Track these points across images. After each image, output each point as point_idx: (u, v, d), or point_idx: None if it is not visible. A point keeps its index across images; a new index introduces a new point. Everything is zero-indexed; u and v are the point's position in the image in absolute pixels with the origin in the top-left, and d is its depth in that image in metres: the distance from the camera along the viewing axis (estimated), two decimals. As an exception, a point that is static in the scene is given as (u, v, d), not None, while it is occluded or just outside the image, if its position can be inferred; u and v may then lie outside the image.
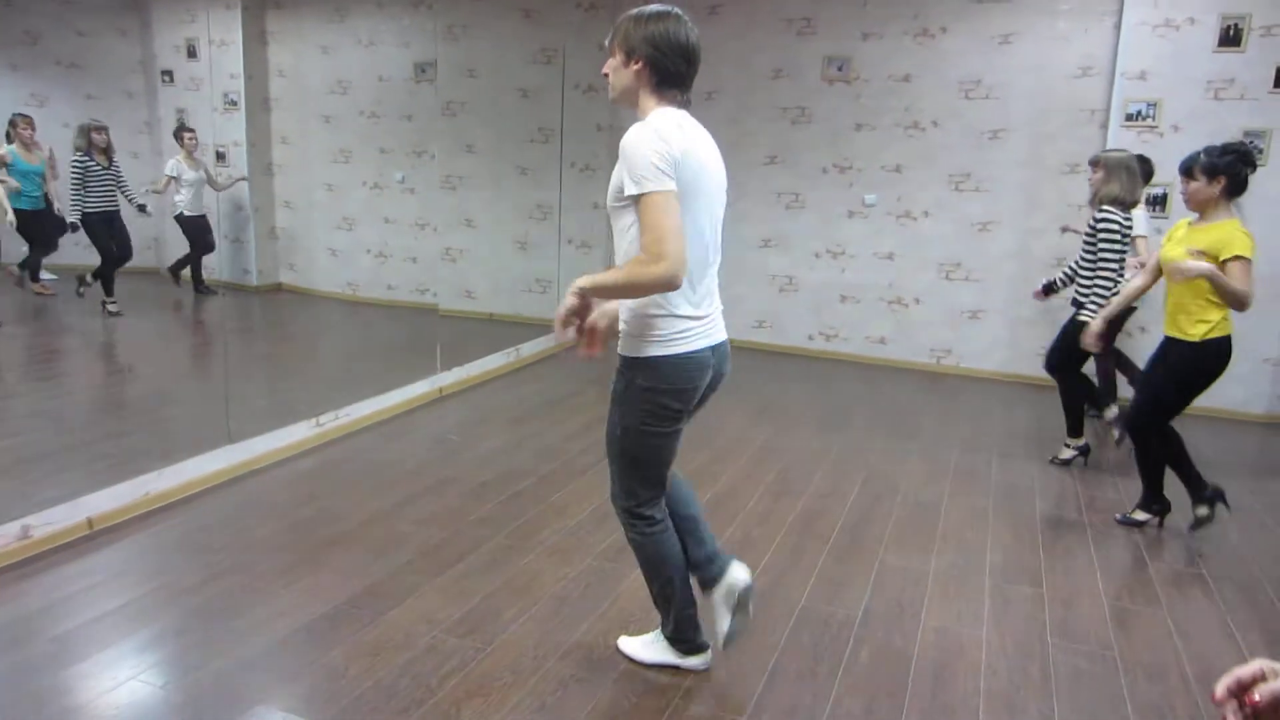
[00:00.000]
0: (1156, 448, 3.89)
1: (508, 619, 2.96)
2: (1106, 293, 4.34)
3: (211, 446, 4.05)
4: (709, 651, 2.70)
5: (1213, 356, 3.68)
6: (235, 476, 4.10)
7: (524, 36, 7.84)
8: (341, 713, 2.42)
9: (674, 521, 2.64)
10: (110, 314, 7.05)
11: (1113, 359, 5.50)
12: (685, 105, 2.42)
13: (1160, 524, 4.00)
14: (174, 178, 7.69)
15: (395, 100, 8.44)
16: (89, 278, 7.05)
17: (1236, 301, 3.47)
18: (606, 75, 2.40)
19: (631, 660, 2.74)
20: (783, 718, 2.50)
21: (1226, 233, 3.52)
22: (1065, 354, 4.59)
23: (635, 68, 2.31)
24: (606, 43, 2.37)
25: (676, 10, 2.33)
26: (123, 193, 7.25)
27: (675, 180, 2.17)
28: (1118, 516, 4.05)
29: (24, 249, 6.52)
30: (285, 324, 8.12)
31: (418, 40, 8.24)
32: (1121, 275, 4.38)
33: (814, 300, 7.23)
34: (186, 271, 7.76)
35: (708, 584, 2.63)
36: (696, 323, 2.37)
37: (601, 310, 2.46)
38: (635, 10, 2.32)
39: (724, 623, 2.60)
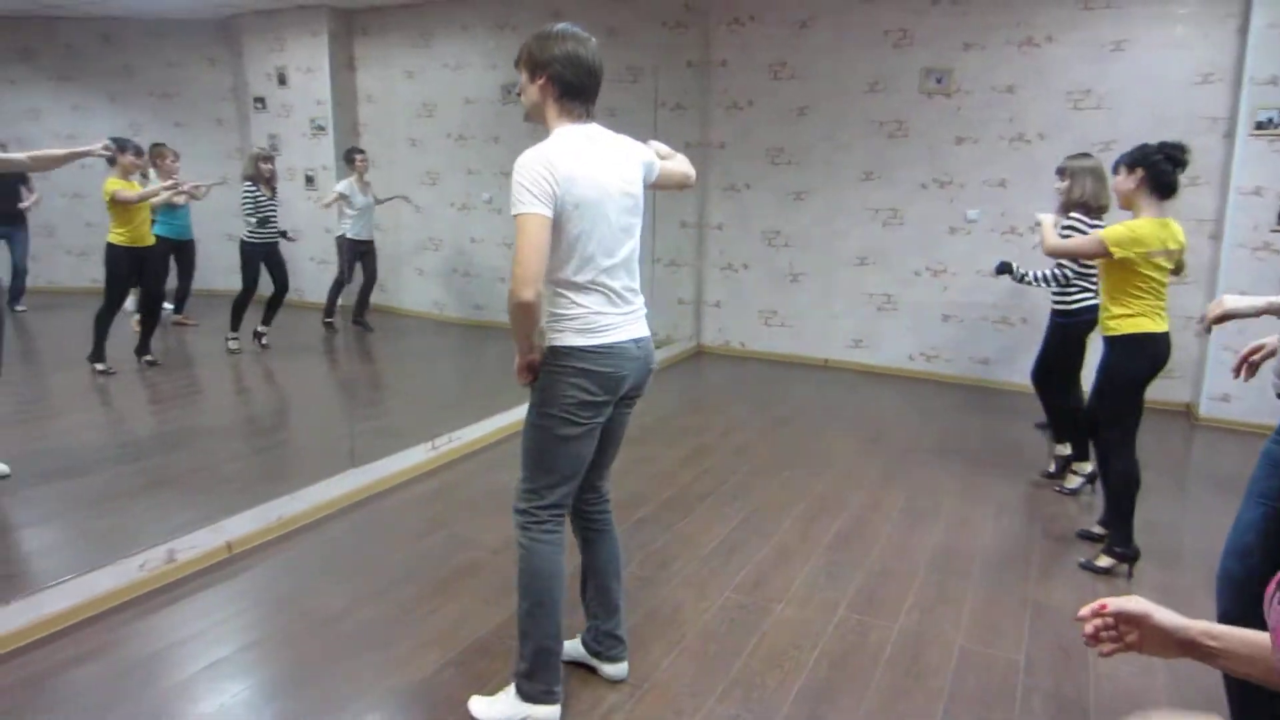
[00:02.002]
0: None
1: (657, 655, 2.85)
2: (1065, 298, 4.44)
3: (337, 470, 4.03)
4: (559, 706, 2.43)
5: (1121, 352, 3.52)
6: (359, 500, 4.07)
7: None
8: (509, 752, 2.34)
9: (598, 590, 2.65)
10: (262, 346, 7.17)
11: None
12: (589, 119, 2.42)
13: (1129, 573, 3.60)
14: (345, 195, 7.72)
15: (482, 122, 8.49)
16: (259, 327, 7.19)
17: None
18: (519, 94, 2.44)
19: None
20: (973, 765, 2.35)
21: (1129, 224, 3.44)
22: (1048, 366, 4.57)
23: (539, 84, 2.35)
24: (514, 63, 2.43)
25: (576, 29, 2.41)
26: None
27: (551, 203, 2.22)
28: (1080, 561, 3.69)
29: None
30: (382, 345, 8.16)
31: (504, 62, 8.27)
32: (1090, 285, 4.33)
33: (914, 319, 7.05)
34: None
35: (605, 659, 2.69)
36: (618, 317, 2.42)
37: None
38: (539, 30, 2.40)
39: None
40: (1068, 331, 4.46)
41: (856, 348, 7.28)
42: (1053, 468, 4.74)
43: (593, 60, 2.38)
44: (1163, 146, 3.45)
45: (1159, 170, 3.42)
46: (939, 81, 6.75)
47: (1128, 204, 3.57)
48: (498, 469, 4.62)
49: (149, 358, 6.34)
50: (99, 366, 6.06)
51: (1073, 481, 4.51)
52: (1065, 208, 4.35)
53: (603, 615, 2.66)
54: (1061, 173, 4.46)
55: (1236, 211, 5.73)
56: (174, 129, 8.61)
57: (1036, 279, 4.53)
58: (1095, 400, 3.68)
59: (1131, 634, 1.21)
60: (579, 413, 2.37)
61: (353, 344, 7.98)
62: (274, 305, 7.22)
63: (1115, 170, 3.60)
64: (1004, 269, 4.65)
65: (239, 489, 3.95)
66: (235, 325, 7.03)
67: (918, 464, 4.88)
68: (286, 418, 5.97)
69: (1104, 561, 3.60)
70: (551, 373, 2.37)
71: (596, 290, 2.37)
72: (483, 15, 8.29)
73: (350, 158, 7.79)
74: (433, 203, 8.90)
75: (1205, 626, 1.19)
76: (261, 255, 7.11)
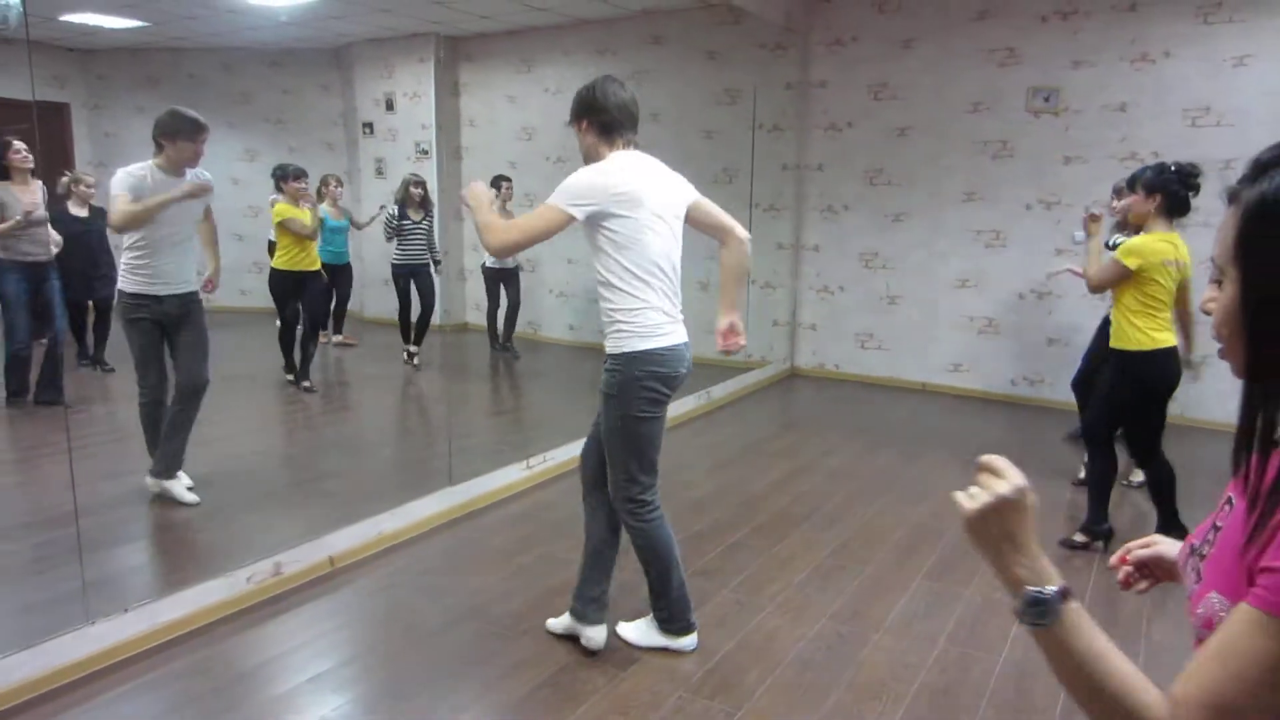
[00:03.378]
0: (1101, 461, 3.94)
1: (752, 682, 2.82)
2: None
3: (435, 488, 4.12)
4: (695, 634, 2.98)
5: (1162, 365, 3.71)
6: (455, 518, 4.15)
7: (708, 78, 7.85)
8: (601, 776, 2.34)
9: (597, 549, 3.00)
10: (414, 367, 7.44)
11: None
12: (634, 146, 2.83)
13: (1105, 547, 3.90)
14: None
15: (579, 145, 8.59)
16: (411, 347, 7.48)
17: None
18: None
19: (629, 645, 2.97)
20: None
21: (1139, 238, 3.64)
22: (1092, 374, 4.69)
23: (583, 127, 2.80)
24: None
25: (609, 76, 2.84)
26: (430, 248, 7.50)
27: (595, 209, 2.65)
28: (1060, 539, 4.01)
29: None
30: (475, 365, 8.32)
31: (603, 86, 8.37)
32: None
33: (1017, 343, 6.84)
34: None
35: (579, 616, 2.97)
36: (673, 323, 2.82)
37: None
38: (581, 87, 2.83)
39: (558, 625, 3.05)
40: None
41: (956, 371, 7.10)
42: (1081, 475, 4.73)
43: (624, 96, 2.78)
44: (1179, 170, 3.55)
45: (1176, 196, 3.57)
46: (1046, 100, 6.56)
47: (1139, 221, 3.71)
48: (591, 489, 4.65)
49: (306, 384, 6.51)
50: (289, 379, 6.47)
51: (1138, 475, 4.66)
52: (1121, 226, 4.41)
53: (606, 583, 2.99)
54: (1120, 191, 4.42)
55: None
56: (287, 154, 8.97)
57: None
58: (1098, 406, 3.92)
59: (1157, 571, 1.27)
60: (651, 409, 2.74)
61: (447, 362, 8.17)
62: (421, 325, 7.47)
63: (1131, 188, 3.76)
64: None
65: (342, 504, 4.07)
66: (404, 339, 7.45)
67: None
68: (390, 435, 6.13)
69: (1079, 537, 3.96)
70: (624, 376, 2.71)
71: (655, 294, 2.74)
72: (584, 40, 8.42)
73: (497, 184, 7.90)
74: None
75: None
76: (407, 276, 7.34)
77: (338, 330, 8.03)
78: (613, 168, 2.69)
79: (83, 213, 5.96)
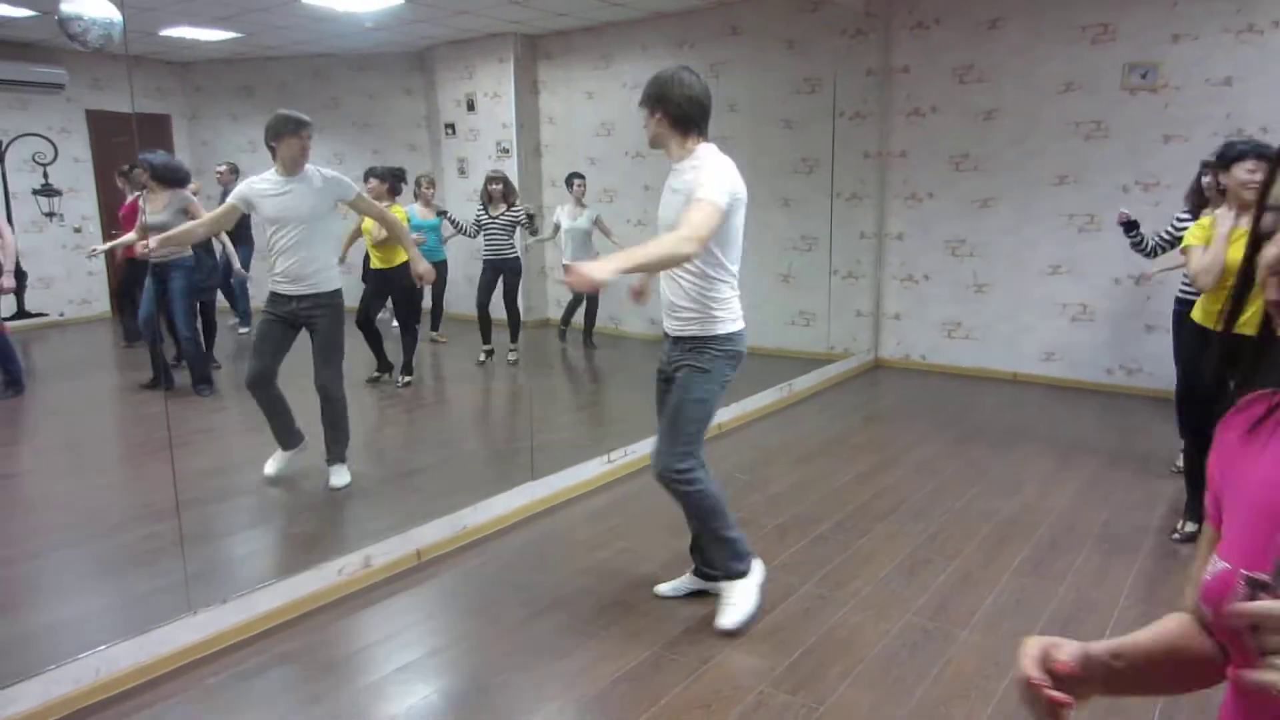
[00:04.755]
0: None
1: (834, 677, 2.78)
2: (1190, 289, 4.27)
3: (517, 483, 4.18)
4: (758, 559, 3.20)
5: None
6: (537, 512, 4.20)
7: (787, 68, 7.75)
8: (682, 769, 2.34)
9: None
10: (510, 363, 7.61)
11: None
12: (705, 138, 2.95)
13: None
14: (557, 225, 8.05)
15: (647, 130, 8.58)
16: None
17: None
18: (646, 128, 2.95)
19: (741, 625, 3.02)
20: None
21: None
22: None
23: (657, 118, 2.90)
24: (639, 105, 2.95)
25: (685, 67, 2.94)
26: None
27: (731, 202, 2.82)
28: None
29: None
30: (559, 360, 8.40)
31: (681, 79, 8.35)
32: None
33: (1113, 331, 6.59)
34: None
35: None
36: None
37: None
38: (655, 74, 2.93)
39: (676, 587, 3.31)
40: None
41: (1048, 361, 6.87)
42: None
43: (700, 91, 2.89)
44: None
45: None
46: (1144, 77, 6.29)
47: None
48: (672, 483, 4.65)
49: (407, 379, 6.76)
50: (378, 375, 6.74)
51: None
52: (1199, 206, 4.31)
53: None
54: (1210, 167, 4.21)
55: None
56: (371, 156, 9.21)
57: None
58: None
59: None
60: (725, 387, 3.04)
61: (532, 358, 8.26)
62: (513, 324, 7.59)
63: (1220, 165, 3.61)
64: (1130, 227, 4.81)
65: (428, 498, 4.15)
66: (485, 340, 7.54)
67: (1118, 485, 4.55)
68: (474, 430, 6.24)
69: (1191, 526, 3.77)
70: (716, 355, 2.95)
71: (735, 280, 2.99)
72: (662, 34, 8.41)
73: (570, 182, 7.99)
74: (610, 219, 9.07)
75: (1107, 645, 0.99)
76: (493, 273, 7.46)
77: (434, 327, 8.19)
78: (731, 164, 2.88)
79: None
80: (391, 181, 6.63)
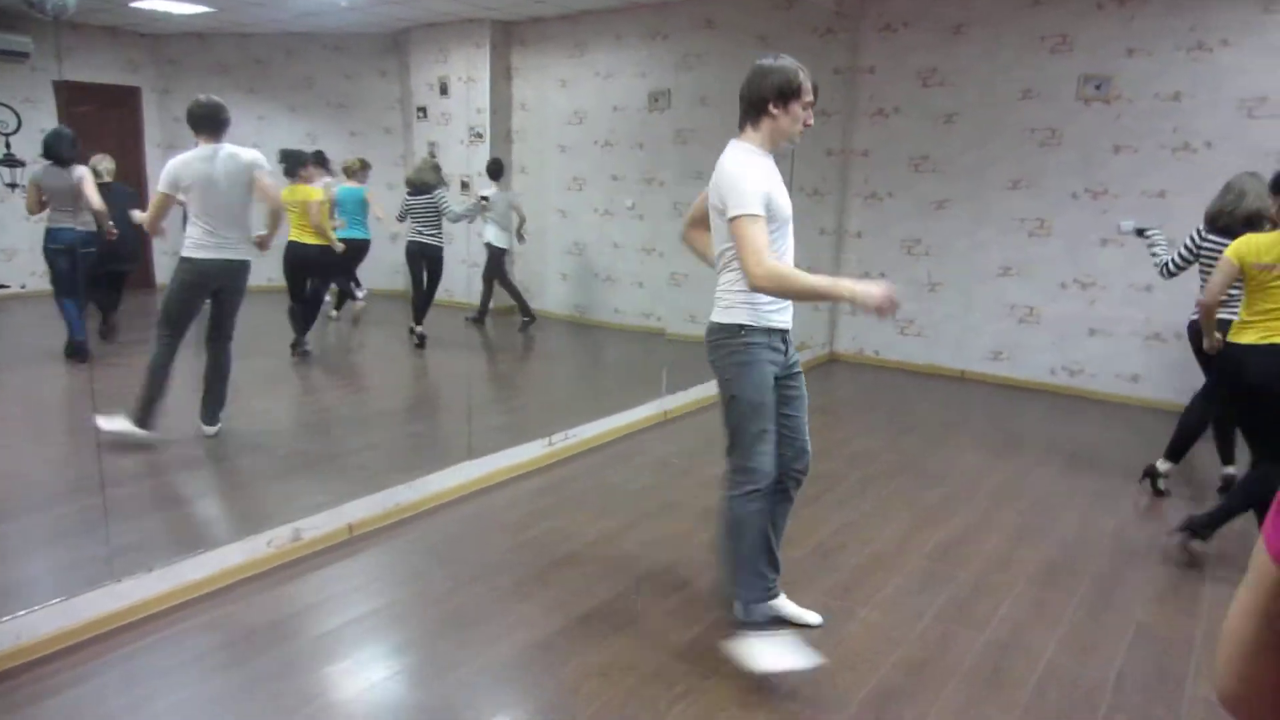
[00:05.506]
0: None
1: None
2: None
3: (453, 462, 4.28)
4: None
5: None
6: (473, 491, 4.30)
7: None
8: (574, 731, 2.46)
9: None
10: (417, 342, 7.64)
11: None
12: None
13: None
14: (485, 203, 8.13)
15: (628, 129, 8.70)
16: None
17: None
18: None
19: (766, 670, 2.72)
20: (1036, 790, 2.30)
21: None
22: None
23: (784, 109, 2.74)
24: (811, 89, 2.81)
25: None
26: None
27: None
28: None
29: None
30: (517, 345, 8.50)
31: (653, 71, 8.45)
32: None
33: (1057, 333, 6.75)
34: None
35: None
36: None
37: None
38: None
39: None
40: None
41: (995, 360, 7.03)
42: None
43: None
44: None
45: None
46: (1098, 88, 6.44)
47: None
48: (609, 467, 4.77)
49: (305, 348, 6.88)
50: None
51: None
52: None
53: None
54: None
55: None
56: (349, 138, 9.26)
57: (1160, 257, 4.52)
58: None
59: None
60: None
61: (494, 344, 8.35)
62: (425, 300, 7.67)
63: (1276, 192, 3.56)
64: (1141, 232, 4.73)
65: (368, 476, 4.24)
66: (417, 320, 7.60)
67: (1042, 479, 4.70)
68: (420, 410, 6.33)
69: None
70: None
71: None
72: (637, 25, 8.49)
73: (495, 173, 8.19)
74: (577, 208, 9.18)
75: None
76: (419, 257, 7.55)
77: (337, 305, 8.22)
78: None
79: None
80: (288, 164, 6.73)
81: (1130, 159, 6.34)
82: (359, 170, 7.63)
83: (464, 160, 9.29)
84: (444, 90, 9.48)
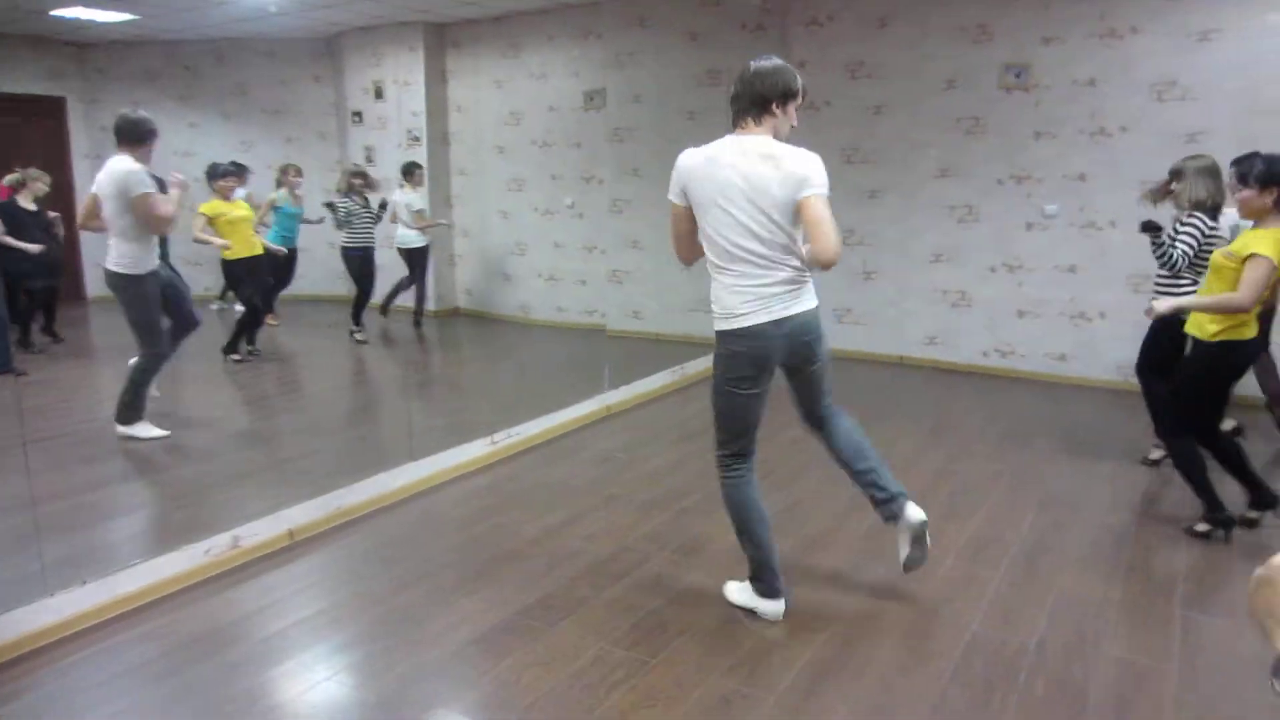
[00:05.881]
0: (1188, 455, 3.77)
1: (672, 633, 2.98)
2: (1176, 287, 4.35)
3: (396, 464, 4.30)
4: (783, 601, 3.07)
5: (1222, 358, 3.62)
6: (417, 492, 4.32)
7: (690, 60, 7.95)
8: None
9: (852, 473, 3.23)
10: (358, 342, 7.69)
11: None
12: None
13: (1227, 538, 3.76)
14: (391, 204, 8.13)
15: (565, 129, 8.74)
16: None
17: (1225, 309, 3.48)
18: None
19: (727, 600, 3.17)
20: (958, 751, 2.40)
21: (1259, 234, 3.48)
22: (1149, 357, 4.54)
23: (789, 110, 2.97)
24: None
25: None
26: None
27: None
28: (1185, 527, 3.88)
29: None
30: (461, 347, 8.52)
31: (587, 70, 8.51)
32: (1198, 279, 4.22)
33: (989, 316, 6.94)
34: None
35: (890, 519, 3.15)
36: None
37: None
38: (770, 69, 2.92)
39: (903, 552, 3.13)
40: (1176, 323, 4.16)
41: (931, 345, 7.20)
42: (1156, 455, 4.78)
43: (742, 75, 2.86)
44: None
45: None
46: (1018, 76, 6.63)
47: (1254, 216, 3.61)
48: (553, 463, 4.82)
49: (236, 356, 6.89)
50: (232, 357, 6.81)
51: (1155, 453, 4.74)
52: (1189, 206, 4.31)
53: (875, 490, 3.18)
54: (1178, 174, 4.36)
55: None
56: (285, 144, 9.16)
57: (1167, 253, 4.31)
58: (1173, 398, 3.80)
59: None
60: (732, 387, 3.08)
61: (438, 346, 8.35)
62: (359, 306, 7.69)
63: (1242, 182, 3.58)
64: (1151, 228, 4.45)
65: (310, 481, 4.23)
66: (355, 320, 7.68)
67: (973, 459, 4.85)
68: (363, 414, 6.32)
69: (1201, 526, 3.79)
70: (719, 353, 3.04)
71: (724, 273, 2.99)
72: (569, 25, 8.54)
73: (410, 172, 8.20)
74: (518, 208, 9.20)
75: None
76: (356, 260, 7.57)
77: (268, 309, 8.20)
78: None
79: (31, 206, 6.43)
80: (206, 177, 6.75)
81: (1051, 144, 6.54)
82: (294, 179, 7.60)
83: (402, 163, 9.26)
84: (379, 94, 9.43)
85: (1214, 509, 3.76)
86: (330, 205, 7.76)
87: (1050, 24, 6.44)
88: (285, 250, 7.17)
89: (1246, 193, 3.53)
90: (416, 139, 9.29)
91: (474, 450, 4.71)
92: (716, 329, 2.93)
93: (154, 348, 4.82)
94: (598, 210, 8.55)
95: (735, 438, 3.10)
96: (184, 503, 4.31)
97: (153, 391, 5.08)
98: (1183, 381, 3.80)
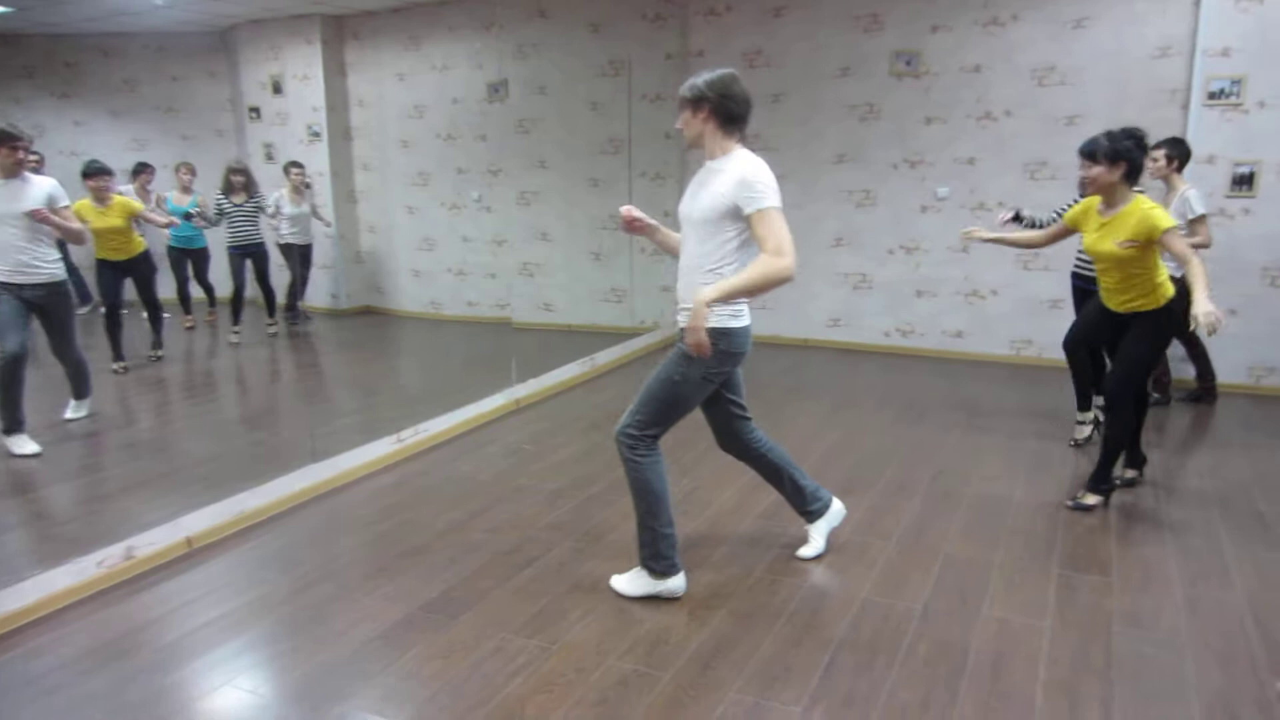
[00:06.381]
0: (1134, 424, 4.00)
1: (573, 619, 3.04)
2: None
3: (298, 465, 4.26)
4: (683, 576, 3.18)
5: (1178, 311, 3.72)
6: (321, 493, 4.29)
7: (592, 51, 7.98)
8: (416, 712, 2.54)
9: (781, 477, 3.40)
10: (231, 344, 7.48)
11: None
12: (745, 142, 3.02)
13: (1106, 503, 3.96)
14: (276, 210, 7.98)
15: (469, 121, 8.68)
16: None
17: (1190, 262, 3.50)
18: (680, 128, 3.02)
19: (620, 596, 3.19)
20: (838, 708, 2.52)
21: (1142, 214, 3.61)
22: (1091, 337, 4.57)
23: (703, 115, 2.93)
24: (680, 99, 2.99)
25: (733, 72, 2.95)
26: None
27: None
28: (1069, 503, 3.98)
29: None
30: (370, 345, 8.40)
31: (490, 61, 8.46)
32: None
33: (889, 297, 7.16)
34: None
35: (812, 517, 3.47)
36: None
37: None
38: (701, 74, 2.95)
39: (815, 544, 3.47)
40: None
41: (835, 327, 7.40)
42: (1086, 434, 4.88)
43: (745, 91, 2.94)
44: (1130, 134, 3.67)
45: (1139, 164, 3.68)
46: (908, 64, 6.83)
47: (1102, 192, 3.75)
48: (460, 458, 4.83)
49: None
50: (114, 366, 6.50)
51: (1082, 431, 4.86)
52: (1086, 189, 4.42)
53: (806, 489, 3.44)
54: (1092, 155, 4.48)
55: (1191, 179, 5.75)
56: (181, 142, 8.87)
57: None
58: (1136, 369, 3.85)
59: None
60: (707, 381, 3.09)
61: (339, 344, 8.24)
62: (270, 302, 7.53)
63: (1090, 159, 3.72)
64: (1018, 218, 5.10)
65: (209, 487, 4.16)
66: (234, 321, 7.43)
67: (871, 435, 5.03)
68: (266, 417, 6.21)
69: (1090, 499, 3.94)
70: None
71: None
72: (470, 16, 8.48)
73: (287, 170, 8.08)
74: (425, 203, 9.12)
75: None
76: (240, 258, 7.44)
77: (187, 311, 8.01)
78: (765, 165, 2.94)
79: None
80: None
81: (941, 129, 6.77)
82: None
83: (305, 160, 9.07)
84: (278, 89, 9.22)
85: (1107, 481, 3.93)
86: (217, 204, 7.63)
87: (938, 12, 6.65)
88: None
89: (1096, 169, 3.70)
90: (317, 134, 9.11)
91: (380, 449, 4.68)
92: (720, 326, 2.95)
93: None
94: (505, 203, 8.54)
95: (670, 423, 3.12)
96: (72, 516, 4.20)
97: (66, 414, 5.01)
98: (1146, 350, 3.81)
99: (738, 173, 2.87)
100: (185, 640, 2.99)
